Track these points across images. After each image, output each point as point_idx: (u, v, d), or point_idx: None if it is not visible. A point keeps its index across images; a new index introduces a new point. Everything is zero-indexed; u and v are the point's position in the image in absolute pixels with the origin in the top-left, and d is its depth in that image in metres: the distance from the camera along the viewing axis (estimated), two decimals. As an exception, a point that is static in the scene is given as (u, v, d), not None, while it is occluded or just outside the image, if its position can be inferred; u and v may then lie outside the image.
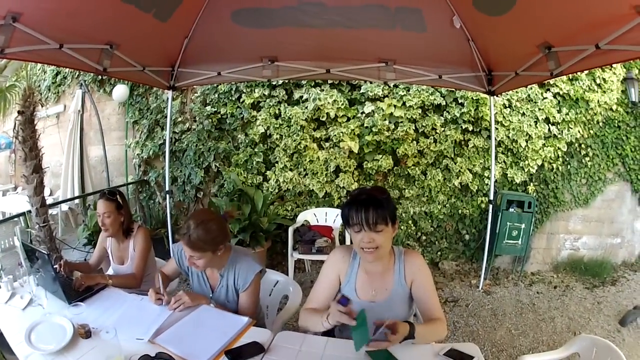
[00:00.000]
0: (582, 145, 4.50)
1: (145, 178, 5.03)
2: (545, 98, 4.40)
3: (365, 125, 4.38)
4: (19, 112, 3.34)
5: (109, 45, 2.72)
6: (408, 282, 1.64)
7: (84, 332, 1.64)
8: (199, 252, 1.77)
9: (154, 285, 1.93)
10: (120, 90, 4.93)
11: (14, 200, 6.10)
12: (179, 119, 4.82)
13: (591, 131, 4.49)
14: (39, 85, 6.16)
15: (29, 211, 3.73)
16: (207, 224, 1.79)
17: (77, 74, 5.65)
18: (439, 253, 4.68)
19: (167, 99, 4.01)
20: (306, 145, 4.46)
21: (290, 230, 3.95)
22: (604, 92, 4.44)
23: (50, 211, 3.92)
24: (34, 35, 2.20)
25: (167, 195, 4.10)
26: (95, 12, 2.37)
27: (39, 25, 2.20)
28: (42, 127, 4.99)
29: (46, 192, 4.29)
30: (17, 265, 2.36)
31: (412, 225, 4.59)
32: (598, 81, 4.43)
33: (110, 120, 5.38)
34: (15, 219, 4.80)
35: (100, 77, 5.34)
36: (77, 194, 5.04)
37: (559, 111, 4.41)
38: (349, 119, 4.44)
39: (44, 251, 2.00)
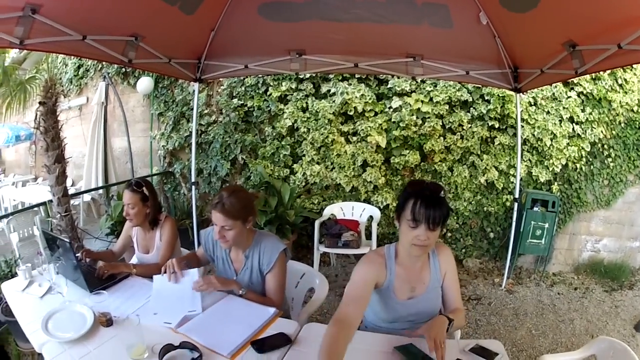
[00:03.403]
0: (605, 146, 4.46)
1: (170, 169, 5.03)
2: (570, 97, 4.38)
3: (392, 120, 4.37)
4: (40, 102, 3.37)
5: (133, 37, 2.72)
6: (442, 275, 1.66)
7: (105, 321, 1.62)
8: (231, 219, 1.79)
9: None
10: (145, 83, 4.94)
11: (33, 191, 6.13)
12: (205, 111, 4.83)
13: (613, 132, 4.45)
14: (60, 78, 6.19)
15: (50, 201, 3.74)
16: (239, 194, 1.86)
17: (99, 66, 5.69)
18: (463, 250, 4.65)
19: (193, 91, 4.01)
20: (334, 139, 4.45)
21: (317, 223, 3.93)
22: (626, 92, 4.40)
23: (72, 201, 3.94)
24: (55, 26, 2.21)
25: (193, 187, 4.09)
26: (119, 4, 2.38)
27: (60, 17, 2.20)
28: (65, 118, 5.01)
29: (68, 182, 4.30)
30: (36, 254, 2.35)
31: (438, 221, 4.57)
32: (620, 81, 4.39)
33: (134, 112, 5.39)
34: (35, 208, 4.83)
35: (124, 69, 5.37)
36: (100, 184, 5.04)
37: (583, 110, 4.39)
38: (376, 114, 4.43)
39: (66, 239, 2.00)
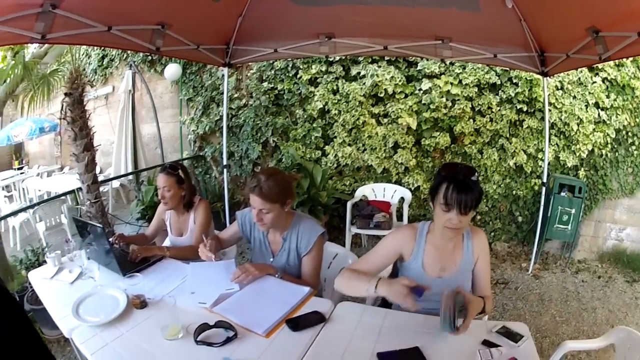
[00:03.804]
0: (629, 133, 4.44)
1: (200, 153, 5.07)
2: (595, 82, 4.37)
3: (422, 102, 4.39)
4: (66, 94, 3.41)
5: (160, 25, 2.75)
6: (475, 258, 1.66)
7: (138, 303, 1.62)
8: (269, 203, 1.77)
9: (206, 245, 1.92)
10: (173, 69, 4.99)
11: (59, 180, 6.19)
12: (235, 95, 4.87)
13: (637, 119, 4.43)
14: (84, 69, 6.26)
15: (79, 188, 3.78)
16: (277, 176, 1.83)
17: (124, 55, 5.75)
18: (492, 234, 4.65)
19: (223, 76, 4.04)
20: (364, 121, 4.47)
21: (349, 204, 3.94)
22: (649, 80, 4.40)
23: (100, 188, 3.97)
24: (78, 19, 2.23)
25: (225, 170, 4.13)
26: None
27: (83, 10, 2.22)
28: (92, 107, 5.07)
29: (96, 169, 4.34)
30: (64, 242, 2.35)
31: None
32: (643, 69, 4.38)
33: (162, 99, 5.45)
34: (62, 197, 4.87)
35: (150, 57, 5.43)
36: (129, 170, 5.08)
37: (608, 96, 4.38)
38: (406, 96, 4.45)
39: (98, 225, 2.00)
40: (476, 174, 1.49)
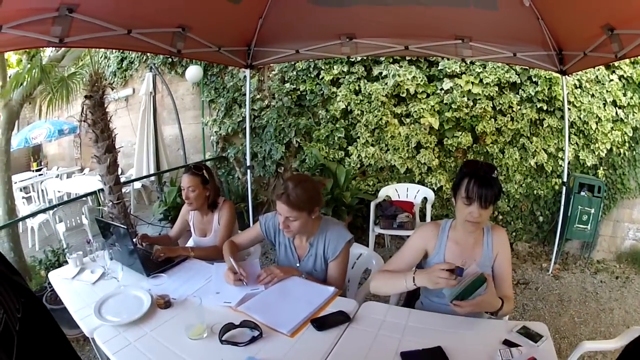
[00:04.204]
0: None
1: (223, 154, 5.11)
2: (612, 80, 4.38)
3: (444, 101, 4.41)
4: (86, 96, 3.44)
5: (180, 28, 2.77)
6: (494, 254, 1.70)
7: (163, 303, 1.62)
8: (296, 211, 1.76)
9: (228, 263, 1.88)
10: (194, 71, 5.04)
11: (79, 182, 6.25)
12: (257, 97, 4.91)
13: None
14: (103, 72, 6.31)
15: (101, 190, 3.82)
16: (305, 184, 1.82)
17: (144, 57, 5.81)
18: (513, 234, 4.66)
19: (245, 77, 4.07)
20: (387, 121, 4.50)
21: (372, 205, 3.96)
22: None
23: (122, 189, 4.00)
24: (96, 23, 2.24)
25: (248, 171, 4.16)
26: None
27: (101, 14, 2.23)
28: (113, 109, 5.12)
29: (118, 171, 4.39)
30: (85, 242, 2.36)
31: (490, 203, 4.59)
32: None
33: (184, 100, 5.50)
34: (83, 198, 4.92)
35: (170, 59, 5.48)
36: (151, 172, 5.13)
37: (625, 94, 4.39)
38: (428, 95, 4.48)
39: (121, 226, 2.00)
40: (496, 171, 1.58)
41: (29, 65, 4.69)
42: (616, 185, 4.56)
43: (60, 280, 1.98)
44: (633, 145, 4.49)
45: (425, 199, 4.15)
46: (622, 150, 4.46)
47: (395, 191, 4.33)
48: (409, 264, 1.73)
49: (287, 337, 1.44)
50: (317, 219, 1.90)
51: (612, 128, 4.40)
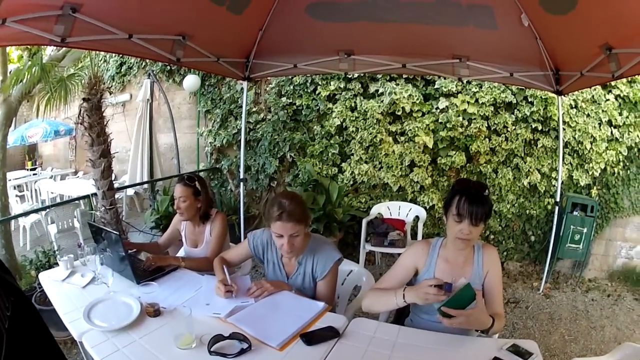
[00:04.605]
0: None
1: (217, 166, 5.11)
2: (608, 100, 4.38)
3: (439, 120, 4.42)
4: (84, 99, 3.43)
5: (181, 36, 2.77)
6: (484, 272, 1.71)
7: (152, 311, 1.62)
8: (299, 225, 1.77)
9: (219, 276, 1.89)
10: (191, 80, 5.02)
11: (73, 185, 6.25)
12: (254, 109, 4.91)
13: None
14: (102, 75, 6.30)
15: (94, 194, 3.80)
16: (297, 197, 1.86)
17: (143, 64, 5.79)
18: (505, 253, 4.68)
19: (242, 89, 4.06)
20: (382, 139, 4.51)
21: (364, 222, 3.97)
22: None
23: (115, 195, 3.99)
24: (98, 25, 2.24)
25: (241, 183, 4.14)
26: (166, 5, 2.43)
27: (104, 16, 2.24)
28: (111, 114, 5.12)
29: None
30: (76, 245, 2.37)
31: (481, 223, 4.60)
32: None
33: (180, 109, 5.49)
34: (76, 201, 4.92)
35: (169, 67, 5.46)
36: (145, 179, 5.14)
37: (620, 114, 4.38)
38: (423, 114, 4.48)
39: (113, 232, 1.99)
40: (487, 190, 1.61)
41: (29, 62, 4.67)
42: (609, 204, 4.57)
43: (51, 281, 1.99)
44: (628, 164, 4.50)
45: (417, 218, 4.16)
46: (616, 170, 4.47)
47: (387, 209, 4.33)
48: (400, 281, 1.74)
49: (275, 351, 1.45)
50: (306, 235, 1.90)
51: (606, 147, 4.41)
